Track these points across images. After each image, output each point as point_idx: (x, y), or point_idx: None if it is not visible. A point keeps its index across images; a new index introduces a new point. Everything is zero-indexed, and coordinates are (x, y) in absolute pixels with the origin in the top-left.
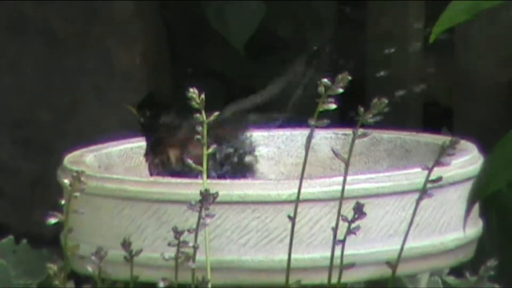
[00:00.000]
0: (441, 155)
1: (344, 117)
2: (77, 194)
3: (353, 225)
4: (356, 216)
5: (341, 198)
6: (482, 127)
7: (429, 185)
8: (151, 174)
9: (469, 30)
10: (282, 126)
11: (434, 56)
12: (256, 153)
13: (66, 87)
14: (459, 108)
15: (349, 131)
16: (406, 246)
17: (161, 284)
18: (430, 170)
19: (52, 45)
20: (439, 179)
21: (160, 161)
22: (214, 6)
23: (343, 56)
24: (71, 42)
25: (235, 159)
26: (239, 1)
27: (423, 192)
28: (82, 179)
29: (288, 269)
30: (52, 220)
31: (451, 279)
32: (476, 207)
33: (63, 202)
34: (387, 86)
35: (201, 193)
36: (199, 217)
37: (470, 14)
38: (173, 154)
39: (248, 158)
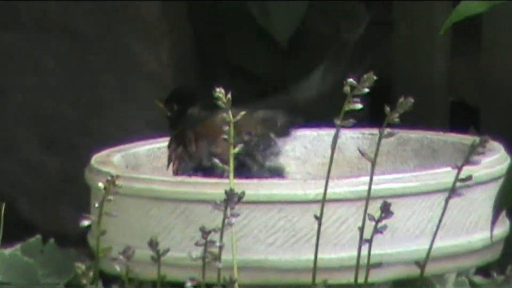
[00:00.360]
0: (471, 154)
1: (372, 116)
2: (111, 197)
3: (380, 225)
4: (383, 215)
5: (368, 197)
6: (509, 127)
7: (459, 184)
8: (173, 167)
9: (497, 29)
10: (306, 126)
11: (461, 56)
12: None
13: (91, 86)
14: (486, 108)
15: (375, 131)
16: (433, 246)
17: (189, 284)
18: (460, 168)
19: (77, 44)
20: (469, 177)
21: (183, 153)
22: (258, 3)
23: (371, 54)
24: (96, 41)
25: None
26: None
27: (453, 190)
28: (117, 182)
29: (315, 268)
30: (85, 223)
31: (478, 279)
32: None
33: (96, 205)
34: (414, 85)
35: (226, 192)
36: (224, 217)
37: (484, 7)
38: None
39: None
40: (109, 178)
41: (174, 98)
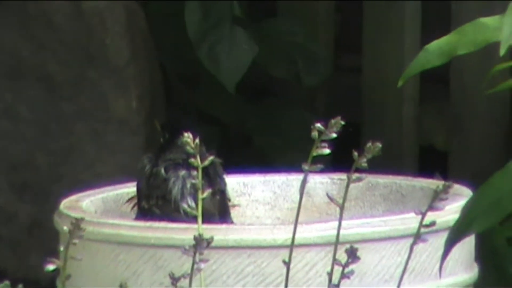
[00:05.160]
0: (434, 200)
1: (340, 161)
2: (76, 241)
3: (347, 270)
4: (349, 260)
5: (336, 242)
6: (478, 172)
7: (423, 230)
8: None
9: (466, 75)
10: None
11: (430, 100)
12: None
13: (63, 131)
14: (454, 152)
15: (344, 176)
16: None
17: None
18: (424, 215)
19: (49, 90)
20: (433, 223)
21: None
22: (206, 47)
23: (338, 98)
24: (67, 87)
25: None
26: (231, 41)
27: (417, 237)
28: (82, 226)
29: None
30: (50, 267)
31: None
32: (472, 251)
33: (61, 248)
34: (383, 130)
35: (194, 238)
36: (193, 262)
37: (442, 60)
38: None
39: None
40: (73, 221)
41: (168, 126)
